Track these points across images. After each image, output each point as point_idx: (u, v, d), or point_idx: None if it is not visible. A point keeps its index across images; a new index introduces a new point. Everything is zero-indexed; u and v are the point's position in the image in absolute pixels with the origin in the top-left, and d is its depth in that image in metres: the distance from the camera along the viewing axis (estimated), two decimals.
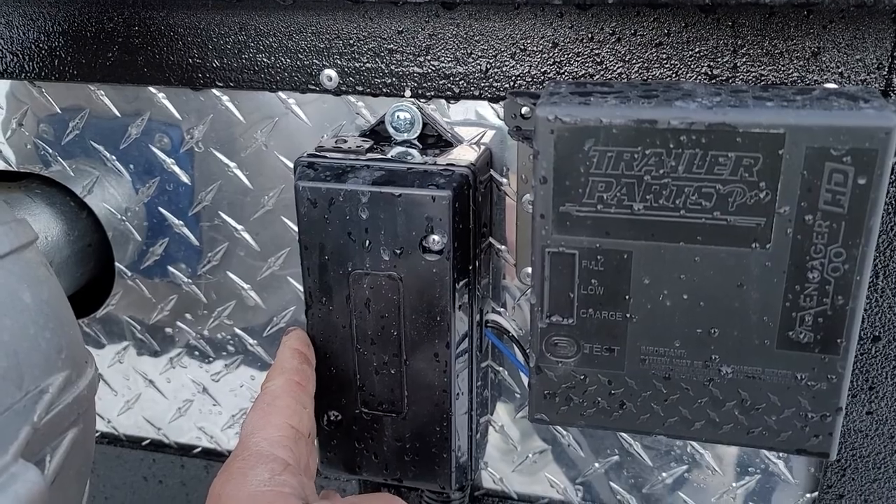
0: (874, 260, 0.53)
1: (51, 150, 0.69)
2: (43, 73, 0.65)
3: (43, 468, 0.44)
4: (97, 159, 0.69)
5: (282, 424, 0.51)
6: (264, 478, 0.47)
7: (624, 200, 0.44)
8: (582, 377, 0.49)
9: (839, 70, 0.51)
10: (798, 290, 0.43)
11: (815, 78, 0.51)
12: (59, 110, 0.68)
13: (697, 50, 0.53)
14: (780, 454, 0.63)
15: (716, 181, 0.42)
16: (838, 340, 0.44)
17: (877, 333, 0.56)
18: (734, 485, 0.65)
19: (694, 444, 0.64)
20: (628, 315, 0.46)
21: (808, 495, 0.63)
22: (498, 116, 0.58)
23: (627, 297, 0.46)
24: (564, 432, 0.67)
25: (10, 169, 0.71)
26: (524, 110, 0.51)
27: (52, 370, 0.45)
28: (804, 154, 0.40)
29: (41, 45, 0.64)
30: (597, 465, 0.68)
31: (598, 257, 0.45)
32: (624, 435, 0.66)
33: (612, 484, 0.68)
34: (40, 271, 0.48)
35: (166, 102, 0.65)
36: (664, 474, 0.66)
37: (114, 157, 0.68)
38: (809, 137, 0.40)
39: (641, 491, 0.67)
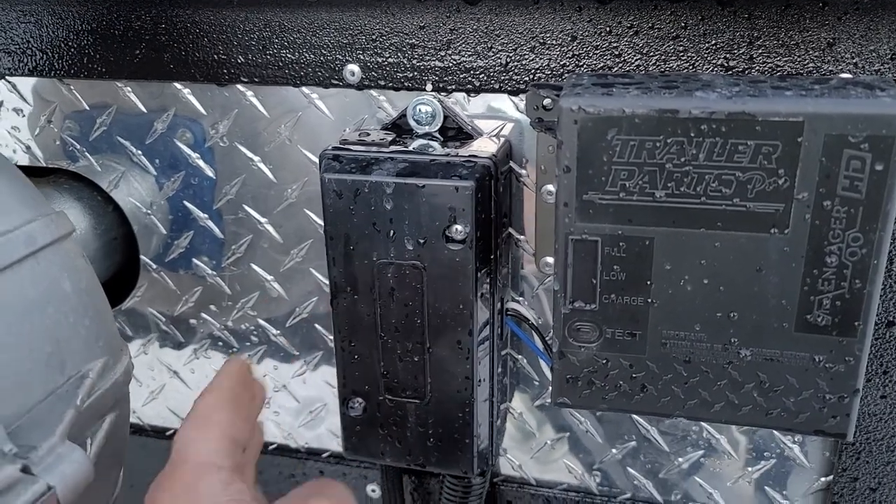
0: (889, 245, 0.54)
1: (78, 146, 0.71)
2: (72, 71, 0.67)
3: (85, 450, 0.46)
4: (123, 154, 0.70)
5: (219, 435, 0.50)
6: (217, 489, 0.45)
7: (646, 188, 0.45)
8: (604, 361, 0.50)
9: (854, 61, 0.52)
10: (816, 275, 0.44)
11: (829, 68, 0.52)
12: (86, 107, 0.69)
13: (714, 42, 0.54)
14: (796, 438, 0.64)
15: (735, 168, 0.43)
16: (856, 323, 0.45)
17: (891, 318, 0.58)
18: (750, 469, 0.66)
19: (710, 429, 0.66)
20: (650, 300, 0.48)
21: (823, 479, 0.65)
22: (517, 109, 0.60)
23: (649, 282, 0.47)
24: (581, 419, 0.69)
25: (40, 164, 0.72)
26: (546, 102, 0.52)
27: (91, 356, 0.47)
28: (822, 141, 0.42)
29: (70, 44, 0.66)
30: (613, 451, 0.69)
31: (621, 244, 0.47)
32: (640, 421, 0.67)
33: (628, 469, 0.69)
34: (78, 261, 0.49)
35: (192, 98, 0.66)
36: (680, 459, 0.67)
37: (140, 153, 0.70)
38: (828, 125, 0.41)
39: (658, 476, 0.69)
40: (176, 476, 0.46)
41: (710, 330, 0.47)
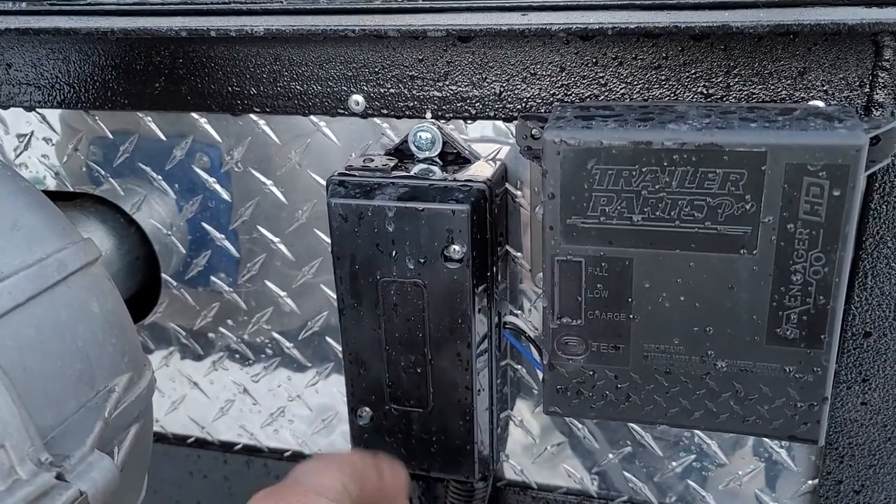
0: (863, 261, 0.57)
1: (103, 172, 0.75)
2: (97, 103, 0.71)
3: (112, 459, 0.50)
4: (145, 179, 0.75)
5: (336, 475, 0.52)
6: None
7: (624, 213, 0.49)
8: (591, 373, 0.54)
9: (824, 88, 0.55)
10: (783, 291, 0.48)
11: (802, 95, 0.56)
12: (110, 135, 0.74)
13: (694, 71, 0.57)
14: (783, 443, 0.67)
15: (706, 194, 0.47)
16: (822, 336, 0.48)
17: (868, 329, 0.61)
18: (740, 472, 0.69)
19: (701, 434, 0.69)
20: (631, 316, 0.51)
21: (809, 482, 0.68)
22: (511, 134, 0.64)
23: (630, 299, 0.51)
24: (580, 426, 0.72)
25: (67, 189, 0.77)
26: (534, 131, 0.56)
27: (117, 372, 0.51)
28: (784, 170, 0.45)
29: (95, 78, 0.71)
30: (611, 455, 0.72)
31: (603, 264, 0.50)
32: (636, 427, 0.70)
33: (625, 473, 0.73)
34: (105, 284, 0.53)
35: (208, 127, 0.71)
36: (674, 463, 0.71)
37: (160, 178, 0.74)
38: (788, 155, 0.45)
39: (654, 479, 0.72)
40: (281, 493, 0.49)
41: (688, 343, 0.51)
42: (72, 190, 0.77)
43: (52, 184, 0.77)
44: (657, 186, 0.48)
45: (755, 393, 0.51)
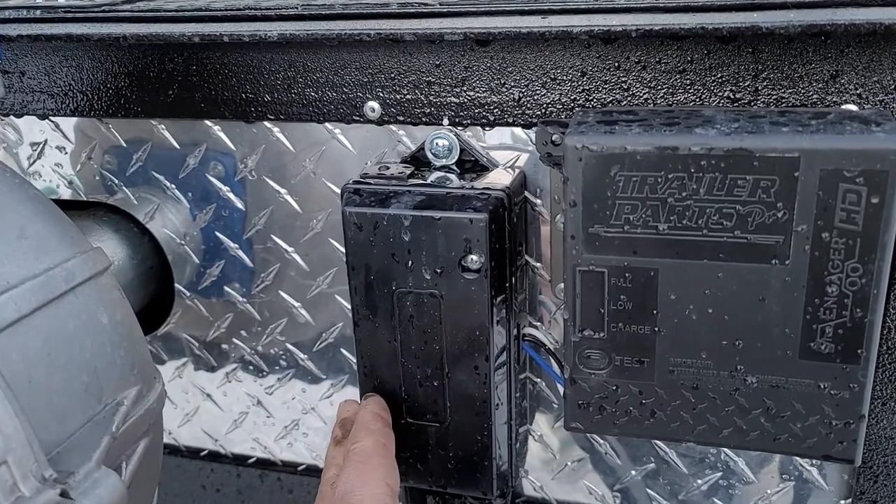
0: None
1: (116, 180, 0.75)
2: (110, 111, 0.70)
3: (120, 474, 0.48)
4: (158, 188, 0.74)
5: (379, 482, 0.53)
6: None
7: (649, 221, 0.47)
8: (614, 388, 0.52)
9: (857, 91, 0.53)
10: (818, 304, 0.46)
11: (834, 99, 0.54)
12: (123, 144, 0.73)
13: (720, 75, 0.55)
14: (814, 462, 0.64)
15: (735, 202, 0.45)
16: (858, 351, 0.46)
17: None
18: (769, 491, 0.66)
19: (728, 451, 0.66)
20: (656, 328, 0.49)
21: (841, 502, 0.65)
22: (531, 141, 0.62)
23: (655, 311, 0.49)
24: (602, 441, 0.70)
25: (80, 198, 0.76)
26: (554, 138, 0.54)
27: (126, 385, 0.50)
28: (819, 176, 0.43)
29: (108, 86, 0.70)
30: (633, 472, 0.70)
31: (627, 275, 0.48)
32: (659, 443, 0.68)
33: (648, 491, 0.70)
34: (114, 294, 0.52)
35: (222, 135, 0.70)
36: (699, 481, 0.68)
37: (173, 186, 0.73)
38: (823, 160, 0.43)
39: (678, 497, 0.70)
40: None
41: (716, 357, 0.49)
42: (85, 199, 0.76)
43: (65, 193, 0.77)
44: (684, 194, 0.46)
45: (787, 410, 0.49)
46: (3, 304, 0.43)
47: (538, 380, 0.69)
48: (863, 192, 0.42)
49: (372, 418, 0.59)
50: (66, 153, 0.75)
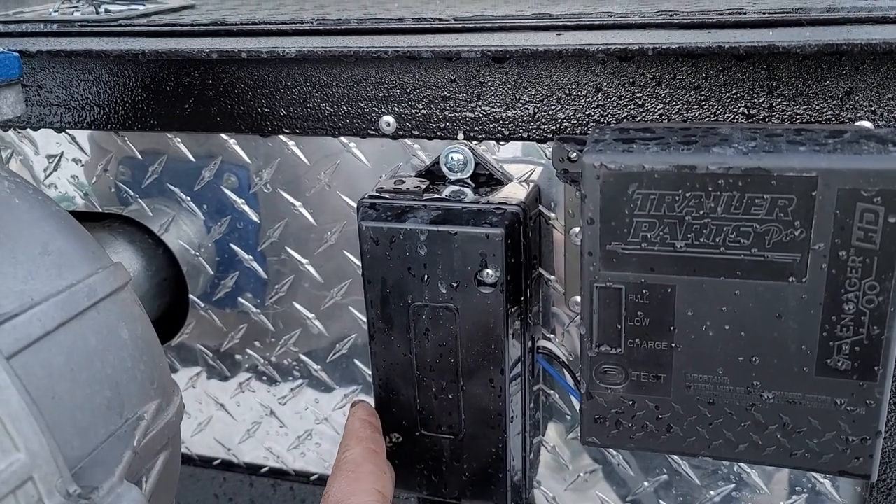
0: None
1: (131, 192, 0.75)
2: (126, 124, 0.71)
3: (140, 488, 0.49)
4: (173, 200, 0.74)
5: (370, 490, 0.53)
6: None
7: (667, 239, 0.47)
8: (630, 403, 0.52)
9: (872, 108, 0.53)
10: (834, 321, 0.46)
11: (848, 116, 0.54)
12: (139, 156, 0.74)
13: (734, 91, 0.56)
14: (826, 474, 0.65)
15: (753, 220, 0.45)
16: (875, 368, 0.46)
17: None
18: (781, 503, 0.67)
19: (741, 463, 0.67)
20: (673, 345, 0.50)
21: None
22: (545, 155, 0.62)
23: (672, 328, 0.49)
24: (614, 452, 0.70)
25: (96, 210, 0.77)
26: (571, 154, 0.54)
27: (146, 399, 0.50)
28: (836, 195, 0.43)
29: (125, 99, 0.70)
30: (646, 483, 0.70)
31: (644, 291, 0.49)
32: (672, 455, 0.68)
33: (661, 502, 0.70)
34: (134, 309, 0.53)
35: (237, 148, 0.70)
36: (712, 493, 0.68)
37: (188, 198, 0.74)
38: (840, 180, 0.43)
39: None
40: None
41: (733, 373, 0.49)
42: (100, 210, 0.77)
43: (80, 204, 0.77)
44: (701, 212, 0.46)
45: (804, 426, 0.49)
46: (27, 321, 0.44)
47: (551, 391, 0.70)
48: (880, 211, 0.43)
49: (361, 425, 0.59)
50: (82, 165, 0.76)
